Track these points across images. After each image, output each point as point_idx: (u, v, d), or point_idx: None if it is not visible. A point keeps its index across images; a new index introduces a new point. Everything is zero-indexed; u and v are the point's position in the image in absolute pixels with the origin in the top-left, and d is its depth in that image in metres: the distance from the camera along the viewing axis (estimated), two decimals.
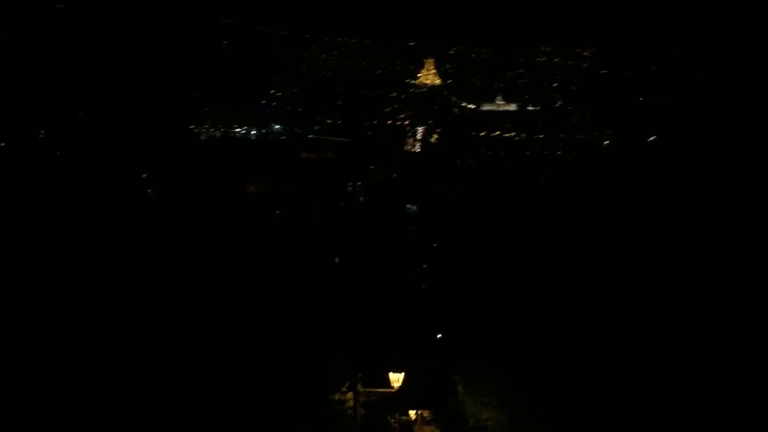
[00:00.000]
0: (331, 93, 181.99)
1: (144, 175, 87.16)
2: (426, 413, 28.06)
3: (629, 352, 26.49)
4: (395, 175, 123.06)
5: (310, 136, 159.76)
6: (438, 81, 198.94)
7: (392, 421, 25.88)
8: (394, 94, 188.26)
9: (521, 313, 32.83)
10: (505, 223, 67.23)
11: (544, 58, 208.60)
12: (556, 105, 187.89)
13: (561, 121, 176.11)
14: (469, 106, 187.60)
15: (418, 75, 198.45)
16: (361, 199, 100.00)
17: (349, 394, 22.54)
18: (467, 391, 28.22)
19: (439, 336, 36.18)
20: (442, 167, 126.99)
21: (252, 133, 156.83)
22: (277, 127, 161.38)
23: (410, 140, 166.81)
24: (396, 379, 19.53)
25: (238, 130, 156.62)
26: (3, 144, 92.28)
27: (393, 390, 20.13)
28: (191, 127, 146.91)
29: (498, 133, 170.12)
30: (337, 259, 52.19)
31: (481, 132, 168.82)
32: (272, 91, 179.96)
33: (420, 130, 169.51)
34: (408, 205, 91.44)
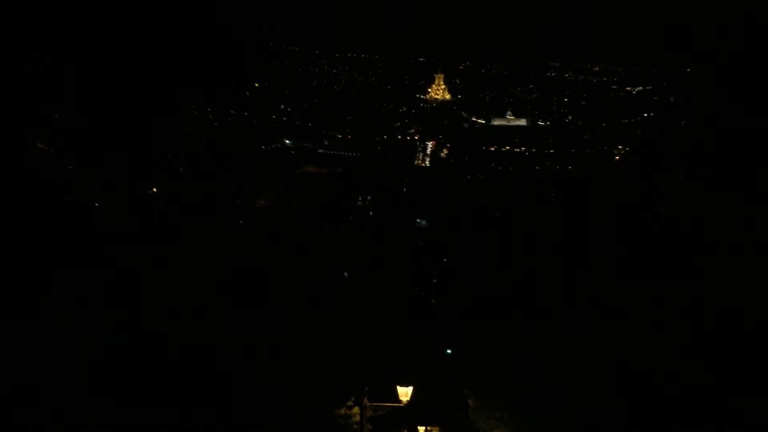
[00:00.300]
0: (341, 108, 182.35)
1: (154, 189, 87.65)
2: (435, 430, 27.50)
3: (645, 366, 26.05)
4: (405, 189, 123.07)
5: (320, 150, 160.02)
6: (448, 96, 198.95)
7: None
8: (404, 109, 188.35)
9: (533, 328, 32.41)
10: (516, 237, 66.91)
11: (554, 73, 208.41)
12: (567, 120, 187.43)
13: (571, 136, 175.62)
14: (479, 120, 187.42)
15: (428, 90, 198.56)
16: (371, 213, 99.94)
17: (355, 409, 22.07)
18: (479, 405, 27.72)
19: (448, 351, 35.76)
20: (451, 181, 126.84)
21: (262, 147, 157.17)
22: (287, 141, 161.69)
23: (420, 154, 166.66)
24: (404, 393, 19.04)
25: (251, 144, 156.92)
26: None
27: (401, 404, 19.60)
28: (202, 141, 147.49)
29: (508, 147, 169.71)
30: (346, 273, 51.93)
31: (491, 146, 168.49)
32: (282, 106, 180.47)
33: (430, 144, 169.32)
34: (418, 219, 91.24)
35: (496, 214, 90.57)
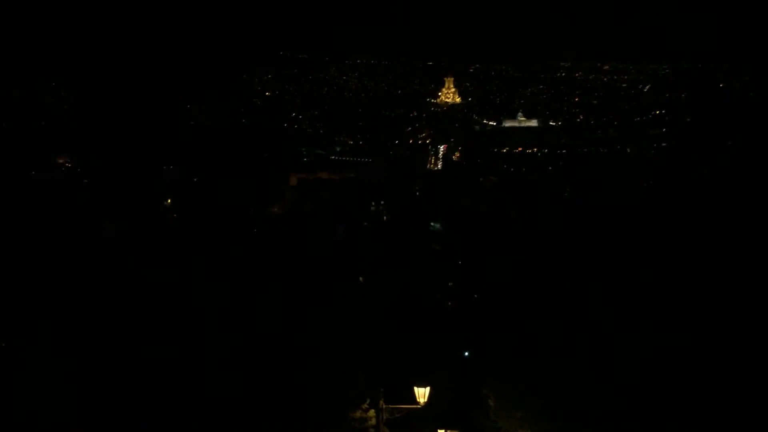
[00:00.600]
0: (352, 114, 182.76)
1: (169, 201, 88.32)
2: None
3: (665, 367, 25.88)
4: (418, 192, 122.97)
5: (333, 157, 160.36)
6: (458, 99, 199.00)
7: None
8: (415, 113, 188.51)
9: (551, 328, 32.22)
10: (530, 238, 66.63)
11: (564, 74, 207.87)
12: (578, 120, 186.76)
13: (584, 136, 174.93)
14: (490, 122, 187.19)
15: (438, 93, 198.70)
16: (385, 217, 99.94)
17: (371, 412, 21.82)
18: (499, 405, 27.40)
19: (466, 354, 35.65)
20: (464, 184, 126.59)
21: (273, 155, 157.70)
22: (299, 148, 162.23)
23: (432, 158, 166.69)
24: (422, 394, 18.81)
25: (262, 152, 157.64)
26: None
27: (418, 406, 19.39)
28: (215, 150, 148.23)
29: (520, 149, 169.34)
30: (361, 278, 51.98)
31: (503, 148, 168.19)
32: (293, 114, 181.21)
33: (441, 148, 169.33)
34: (432, 223, 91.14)
35: (511, 215, 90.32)
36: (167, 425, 19.53)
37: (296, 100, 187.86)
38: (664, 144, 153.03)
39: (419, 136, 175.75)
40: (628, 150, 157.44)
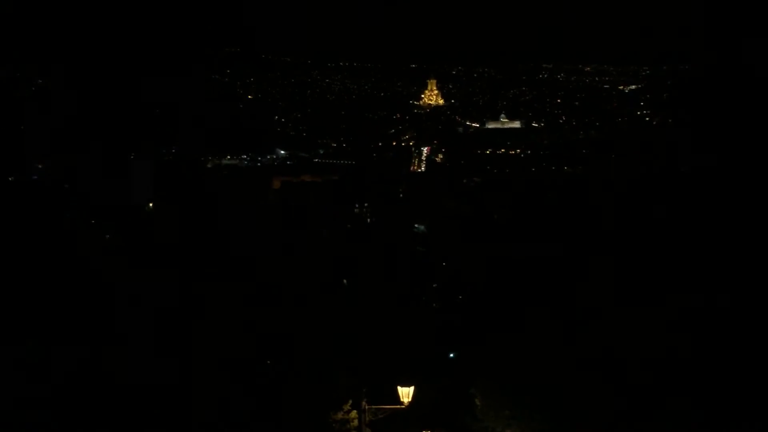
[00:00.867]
0: (335, 116, 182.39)
1: (150, 205, 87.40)
2: None
3: (654, 365, 25.73)
4: (402, 194, 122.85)
5: (316, 159, 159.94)
6: (441, 101, 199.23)
7: None
8: (398, 116, 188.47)
9: (536, 328, 32.04)
10: (515, 239, 66.64)
11: (546, 75, 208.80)
12: (561, 120, 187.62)
13: (566, 137, 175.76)
14: (473, 124, 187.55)
15: (421, 96, 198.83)
16: (369, 219, 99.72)
17: (353, 413, 21.32)
18: (487, 404, 26.99)
19: (451, 355, 35.39)
20: (448, 186, 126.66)
21: (258, 159, 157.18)
22: (283, 152, 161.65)
23: (415, 160, 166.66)
24: (405, 393, 18.42)
25: (244, 156, 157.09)
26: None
27: (403, 406, 19.01)
28: (198, 156, 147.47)
29: (503, 150, 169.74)
30: (345, 280, 51.68)
31: (486, 150, 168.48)
32: (276, 117, 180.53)
33: (425, 150, 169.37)
34: (416, 225, 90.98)
35: (494, 216, 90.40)
36: (151, 427, 19.13)
37: (279, 103, 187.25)
38: (646, 144, 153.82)
39: (402, 138, 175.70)
40: (611, 150, 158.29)
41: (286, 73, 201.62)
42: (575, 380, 25.48)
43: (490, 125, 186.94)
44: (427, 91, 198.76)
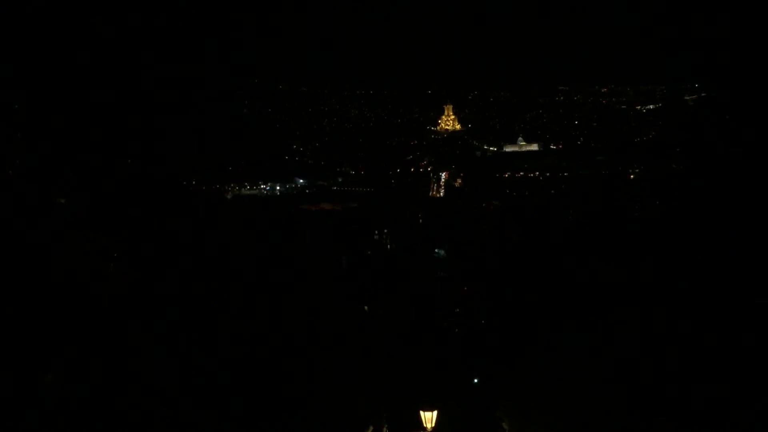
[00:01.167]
0: (353, 144, 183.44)
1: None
2: None
3: (681, 382, 25.31)
4: (421, 220, 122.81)
5: (335, 187, 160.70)
6: (458, 126, 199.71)
7: None
8: (416, 142, 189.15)
9: (562, 350, 31.64)
10: (536, 261, 66.18)
11: (563, 97, 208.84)
12: (579, 142, 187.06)
13: (584, 158, 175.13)
14: (491, 148, 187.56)
15: (438, 121, 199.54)
16: (389, 246, 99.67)
17: None
18: (515, 428, 26.54)
19: (476, 380, 35.03)
20: (467, 210, 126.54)
21: (277, 188, 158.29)
22: (301, 181, 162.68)
23: (434, 185, 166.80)
24: (428, 418, 18.19)
25: (263, 186, 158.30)
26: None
27: None
28: (216, 186, 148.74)
29: (521, 173, 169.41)
30: (366, 307, 51.54)
31: (505, 173, 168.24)
32: (294, 146, 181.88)
33: (443, 175, 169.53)
34: (436, 250, 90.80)
35: (515, 238, 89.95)
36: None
37: (297, 132, 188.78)
38: (665, 164, 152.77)
39: (420, 163, 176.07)
40: (630, 171, 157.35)
41: (304, 103, 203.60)
42: (605, 401, 25.09)
43: (508, 149, 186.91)
44: (443, 117, 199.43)
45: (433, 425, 19.25)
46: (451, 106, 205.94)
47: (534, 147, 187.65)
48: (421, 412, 18.84)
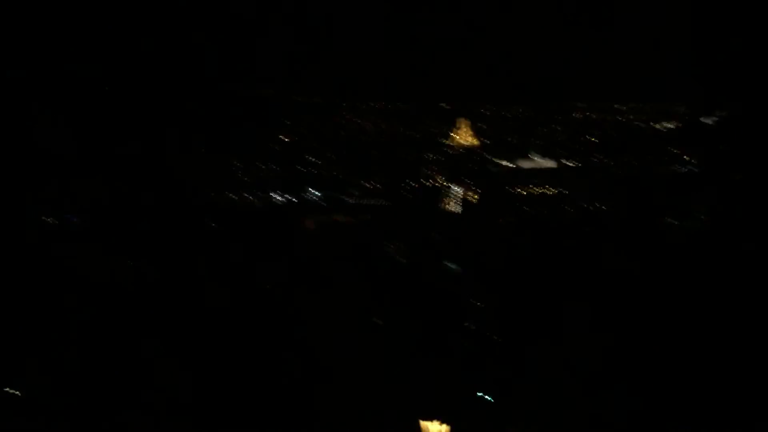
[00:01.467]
0: (368, 157, 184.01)
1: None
2: None
3: (703, 402, 24.61)
4: (435, 235, 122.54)
5: (348, 199, 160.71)
6: (473, 140, 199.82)
7: None
8: (430, 156, 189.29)
9: (577, 366, 31.08)
10: (550, 278, 65.66)
11: (580, 114, 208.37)
12: (595, 160, 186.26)
13: (601, 176, 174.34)
14: (506, 164, 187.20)
15: (453, 135, 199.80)
16: (403, 260, 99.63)
17: None
18: None
19: (487, 397, 34.60)
20: (482, 226, 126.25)
21: (290, 199, 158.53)
22: (315, 192, 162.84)
23: (448, 200, 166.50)
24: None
25: (276, 196, 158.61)
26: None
27: None
28: (231, 195, 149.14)
29: (537, 190, 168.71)
30: (380, 321, 51.40)
31: (520, 189, 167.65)
32: (309, 158, 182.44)
33: (458, 189, 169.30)
34: (450, 265, 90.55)
35: (530, 255, 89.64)
36: None
37: (312, 145, 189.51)
38: (685, 182, 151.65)
39: (435, 178, 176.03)
40: (649, 189, 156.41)
41: (318, 115, 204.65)
42: (623, 414, 24.42)
43: (524, 165, 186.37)
44: (459, 131, 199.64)
45: None
46: (466, 121, 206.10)
47: (550, 164, 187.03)
48: (428, 425, 18.16)
